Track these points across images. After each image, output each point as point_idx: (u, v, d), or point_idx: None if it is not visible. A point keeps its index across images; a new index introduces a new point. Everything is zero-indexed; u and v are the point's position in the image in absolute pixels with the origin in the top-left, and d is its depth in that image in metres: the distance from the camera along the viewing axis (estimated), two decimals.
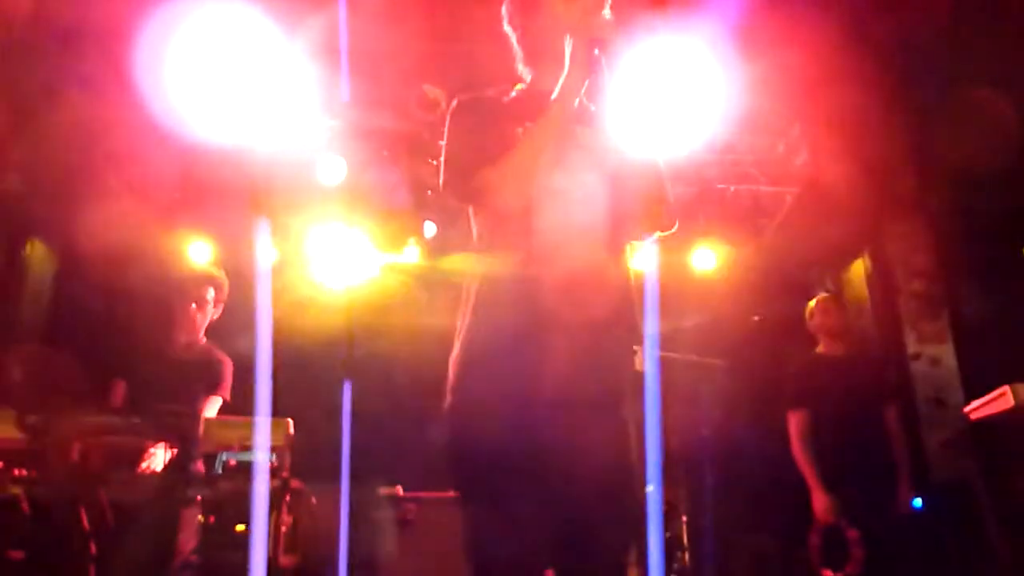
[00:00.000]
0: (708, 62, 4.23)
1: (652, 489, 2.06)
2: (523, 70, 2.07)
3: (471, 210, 1.99)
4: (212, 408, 3.64)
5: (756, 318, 5.71)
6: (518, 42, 2.05)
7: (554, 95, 1.86)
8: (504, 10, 2.06)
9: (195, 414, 3.33)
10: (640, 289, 1.97)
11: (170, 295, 3.79)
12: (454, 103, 1.98)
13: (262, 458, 3.37)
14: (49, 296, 5.35)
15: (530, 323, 1.76)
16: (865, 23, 3.92)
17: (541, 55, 2.01)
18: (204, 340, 3.82)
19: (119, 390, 3.62)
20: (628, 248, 2.00)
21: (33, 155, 4.61)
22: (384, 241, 5.63)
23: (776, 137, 5.45)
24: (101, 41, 4.07)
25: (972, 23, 3.82)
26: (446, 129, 1.94)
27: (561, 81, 1.86)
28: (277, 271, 5.36)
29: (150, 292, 4.34)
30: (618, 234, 1.93)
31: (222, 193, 5.29)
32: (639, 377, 1.90)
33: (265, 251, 5.19)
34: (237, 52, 4.13)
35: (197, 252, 5.56)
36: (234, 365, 3.79)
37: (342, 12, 3.74)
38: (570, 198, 1.87)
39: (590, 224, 1.86)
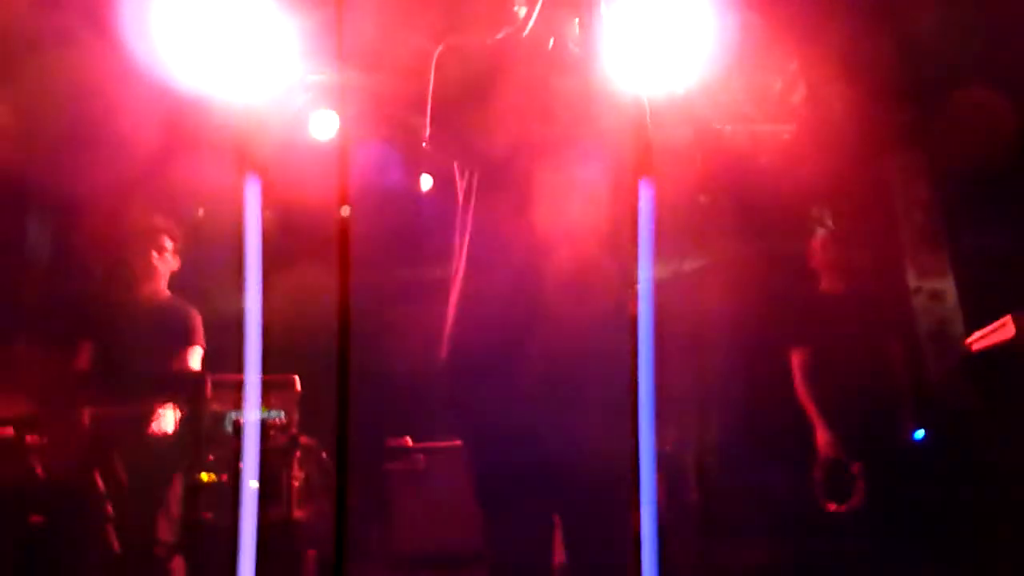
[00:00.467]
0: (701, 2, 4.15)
1: None
2: (517, 7, 2.00)
3: (456, 165, 1.94)
4: (195, 359, 3.61)
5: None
6: None
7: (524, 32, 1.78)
8: None
9: (201, 375, 3.33)
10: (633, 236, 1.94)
11: (128, 246, 3.73)
12: (439, 50, 1.92)
13: (253, 417, 3.39)
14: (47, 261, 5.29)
15: (517, 283, 1.74)
16: None
17: None
18: (167, 292, 3.77)
19: (84, 351, 3.57)
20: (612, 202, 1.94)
21: (16, 113, 4.52)
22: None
23: (772, 75, 5.36)
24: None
25: None
26: (431, 78, 1.88)
27: (533, 17, 1.78)
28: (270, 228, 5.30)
29: (113, 242, 4.26)
30: (604, 189, 1.88)
31: (210, 149, 5.21)
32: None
33: (254, 208, 5.14)
34: (225, 5, 4.02)
35: (182, 210, 5.50)
36: (236, 324, 3.77)
37: None
38: (553, 155, 1.83)
39: (576, 180, 1.83)
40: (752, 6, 4.08)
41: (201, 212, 5.53)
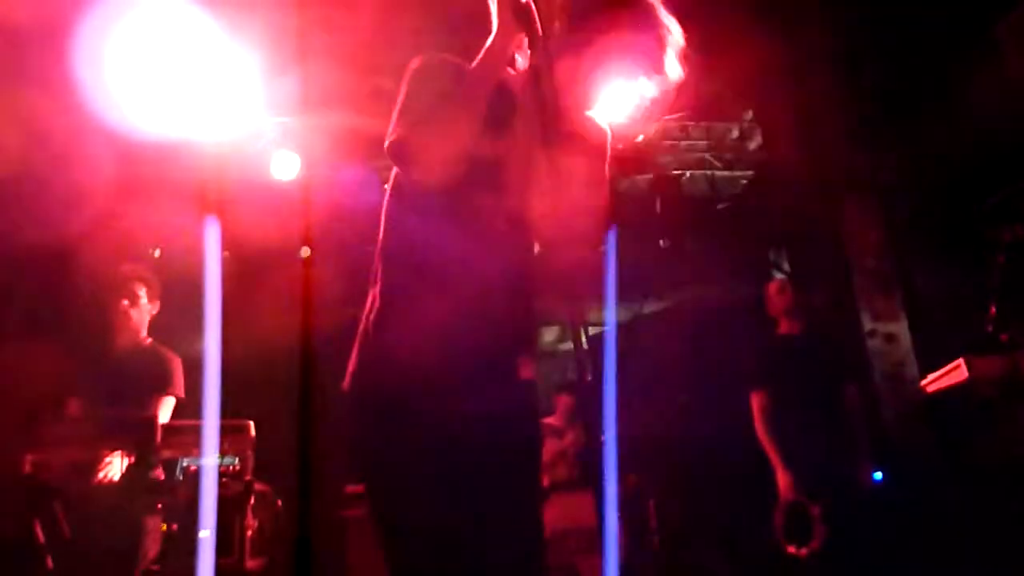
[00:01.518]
0: (659, 49, 4.25)
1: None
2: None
3: (390, 181, 1.85)
4: (166, 408, 3.52)
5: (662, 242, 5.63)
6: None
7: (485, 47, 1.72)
8: None
9: (151, 420, 3.24)
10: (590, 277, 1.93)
11: (101, 296, 3.67)
12: (416, 60, 1.83)
13: (210, 462, 3.30)
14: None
15: (442, 317, 1.68)
16: (811, 8, 3.97)
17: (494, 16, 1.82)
18: (148, 340, 3.70)
19: (73, 407, 3.48)
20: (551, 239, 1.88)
21: None
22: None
23: (730, 123, 5.50)
24: (43, 37, 3.93)
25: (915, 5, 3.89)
26: (403, 85, 1.80)
27: (489, 40, 1.72)
28: (229, 268, 5.25)
29: (84, 295, 4.19)
30: (552, 221, 1.81)
31: (169, 191, 5.16)
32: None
33: (214, 250, 5.08)
34: (181, 46, 4.02)
35: (145, 254, 5.44)
36: (192, 369, 3.70)
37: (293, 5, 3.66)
38: (499, 174, 1.74)
39: (519, 207, 1.76)
40: (708, 54, 4.17)
41: (157, 253, 5.48)
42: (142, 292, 3.68)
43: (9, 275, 5.08)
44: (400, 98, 1.76)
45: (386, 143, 1.72)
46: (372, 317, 1.76)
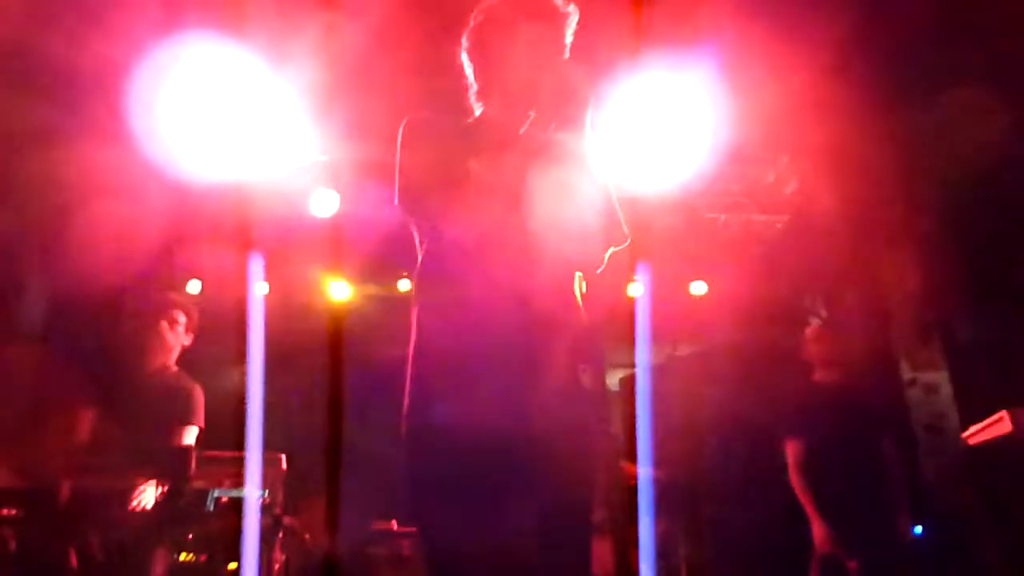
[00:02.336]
0: (695, 94, 4.28)
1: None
2: (475, 101, 2.09)
3: (415, 229, 1.99)
4: (190, 438, 3.56)
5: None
6: (475, 75, 2.07)
7: (521, 130, 1.90)
8: (464, 42, 2.07)
9: (187, 450, 3.28)
10: (624, 318, 1.97)
11: (141, 318, 3.72)
12: (405, 121, 1.99)
13: (254, 494, 3.32)
14: (40, 338, 5.30)
15: (480, 351, 1.76)
16: (848, 54, 3.97)
17: (498, 91, 2.03)
18: (176, 368, 3.75)
19: (85, 420, 3.52)
20: (580, 277, 1.98)
21: (23, 195, 4.60)
22: (378, 272, 5.63)
23: (765, 167, 5.49)
24: (93, 80, 4.08)
25: (957, 47, 3.88)
26: (398, 144, 1.95)
27: (529, 120, 1.89)
28: (268, 306, 5.34)
29: (124, 319, 4.26)
30: (575, 262, 1.93)
31: (213, 230, 5.29)
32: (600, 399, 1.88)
33: (257, 287, 5.17)
34: (226, 88, 4.15)
35: (187, 288, 5.56)
36: (223, 400, 3.74)
37: (330, 46, 3.77)
38: (526, 230, 1.87)
39: (546, 254, 1.86)
40: (745, 97, 4.20)
41: (199, 287, 5.59)
42: (181, 319, 3.74)
43: (63, 310, 5.23)
44: (402, 160, 1.95)
45: (408, 202, 1.93)
46: (411, 348, 1.89)
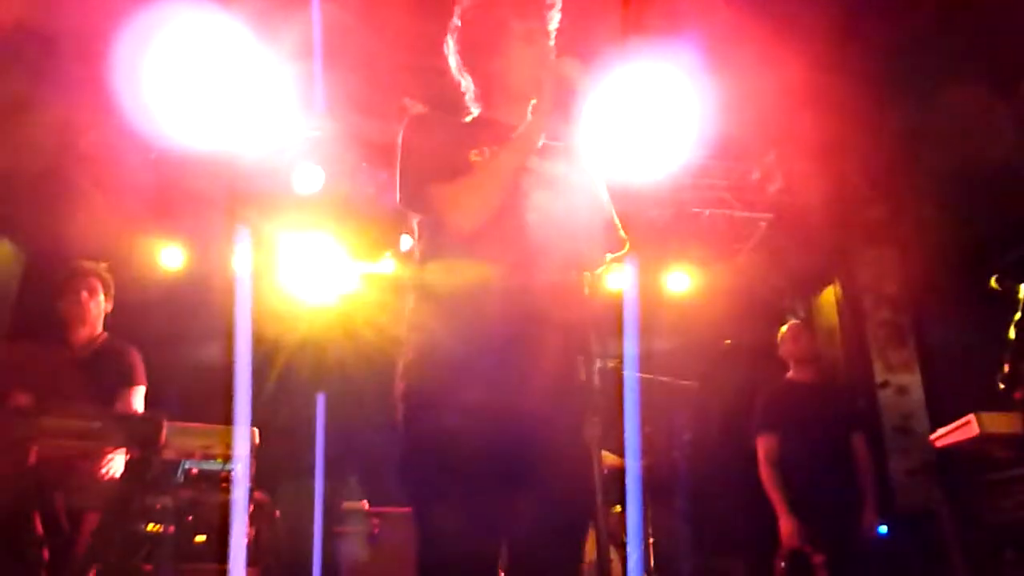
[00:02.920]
0: (683, 87, 4.28)
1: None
2: (472, 104, 2.09)
3: (416, 225, 1.99)
4: (137, 399, 3.51)
5: (727, 342, 5.75)
6: (472, 78, 2.07)
7: (520, 130, 1.90)
8: (453, 43, 2.07)
9: (158, 419, 3.24)
10: (605, 310, 1.98)
11: (58, 290, 3.65)
12: (407, 118, 2.00)
13: (240, 468, 3.30)
14: (15, 297, 5.24)
15: (487, 338, 1.78)
16: (837, 52, 3.99)
17: (495, 93, 2.05)
18: (103, 335, 3.67)
19: (21, 399, 3.45)
20: (584, 271, 2.00)
21: (5, 155, 4.54)
22: (360, 251, 5.60)
23: (751, 163, 5.51)
24: (78, 45, 4.03)
25: (945, 48, 3.91)
26: (400, 142, 1.95)
27: (528, 120, 1.90)
28: (250, 279, 5.30)
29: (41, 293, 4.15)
30: (574, 257, 1.93)
31: (198, 199, 5.24)
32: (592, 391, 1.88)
33: (243, 258, 5.13)
34: (213, 58, 4.10)
35: (169, 258, 5.51)
36: (201, 373, 3.72)
37: (317, 20, 3.73)
38: (526, 223, 1.89)
39: (546, 247, 1.88)
40: (734, 92, 4.21)
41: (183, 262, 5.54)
42: (99, 287, 3.67)
43: (40, 270, 5.15)
44: (403, 156, 1.94)
45: (409, 196, 1.91)
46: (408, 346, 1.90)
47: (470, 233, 1.82)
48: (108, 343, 3.60)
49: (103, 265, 3.77)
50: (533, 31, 1.99)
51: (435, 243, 1.93)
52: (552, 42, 2.03)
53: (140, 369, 3.54)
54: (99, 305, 3.63)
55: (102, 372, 3.44)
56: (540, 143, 1.92)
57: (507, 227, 1.86)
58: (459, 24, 2.05)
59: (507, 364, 1.77)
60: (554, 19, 2.03)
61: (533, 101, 1.94)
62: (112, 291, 3.71)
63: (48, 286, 3.70)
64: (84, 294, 3.57)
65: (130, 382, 3.48)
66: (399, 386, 1.86)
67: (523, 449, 1.74)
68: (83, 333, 3.57)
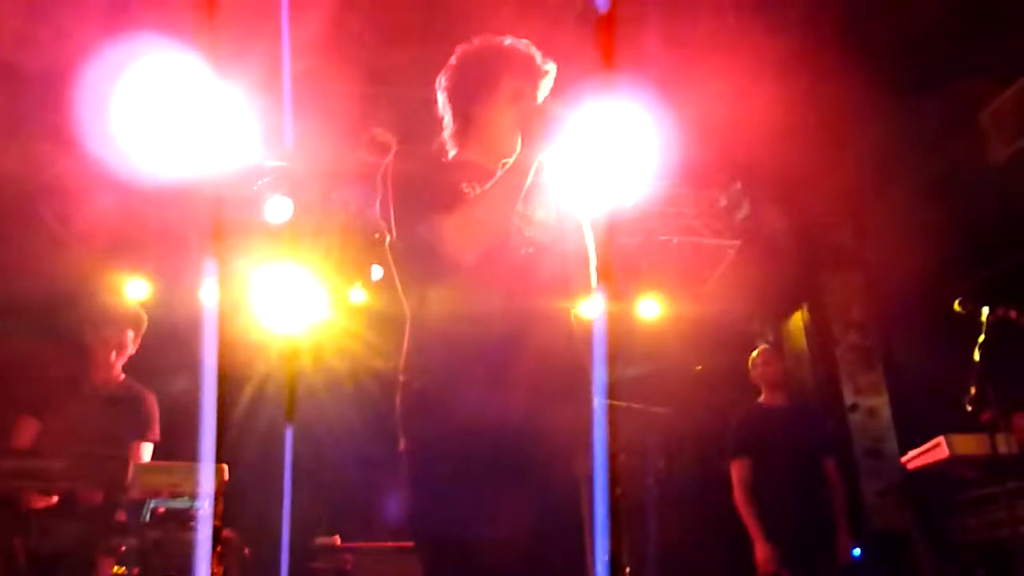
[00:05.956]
0: (648, 117, 4.34)
1: None
2: (449, 143, 2.11)
3: (400, 255, 1.98)
4: (146, 454, 3.47)
5: (698, 368, 5.79)
6: (453, 118, 2.08)
7: (510, 163, 1.91)
8: (444, 80, 2.09)
9: (124, 459, 3.17)
10: (586, 338, 2.00)
11: (89, 336, 3.60)
12: (393, 153, 2.01)
13: (205, 506, 3.22)
14: None
15: (487, 371, 1.81)
16: (802, 80, 4.07)
17: (474, 139, 2.07)
18: (122, 376, 3.64)
19: (29, 428, 3.40)
20: (573, 302, 2.04)
21: None
22: (330, 281, 5.56)
23: (718, 191, 5.58)
24: (43, 78, 3.99)
25: (907, 79, 4.01)
26: (389, 178, 1.95)
27: (513, 158, 1.91)
28: (218, 312, 5.22)
29: (71, 331, 4.13)
30: (564, 290, 1.99)
31: (163, 232, 5.18)
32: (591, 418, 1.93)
33: (210, 290, 5.07)
34: (179, 90, 4.07)
35: (135, 291, 5.41)
36: (167, 407, 3.65)
37: (286, 54, 3.73)
38: (519, 254, 1.93)
39: (538, 281, 1.92)
40: (699, 121, 4.27)
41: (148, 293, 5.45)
42: (130, 339, 3.63)
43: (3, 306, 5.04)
44: (398, 187, 1.94)
45: (411, 225, 1.90)
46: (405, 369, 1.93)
47: (469, 263, 1.83)
48: (125, 387, 3.57)
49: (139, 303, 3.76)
50: (522, 91, 2.02)
51: (432, 271, 1.92)
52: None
53: (156, 421, 3.51)
54: (124, 355, 3.61)
55: (119, 416, 3.41)
56: (531, 176, 1.93)
57: (501, 258, 1.89)
58: (454, 64, 2.08)
59: (510, 387, 1.80)
60: (545, 88, 2.07)
61: (504, 161, 1.96)
62: (142, 331, 3.69)
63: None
64: (113, 354, 3.52)
65: (144, 436, 3.46)
66: (400, 410, 1.89)
67: (523, 468, 1.77)
68: (102, 374, 3.54)
